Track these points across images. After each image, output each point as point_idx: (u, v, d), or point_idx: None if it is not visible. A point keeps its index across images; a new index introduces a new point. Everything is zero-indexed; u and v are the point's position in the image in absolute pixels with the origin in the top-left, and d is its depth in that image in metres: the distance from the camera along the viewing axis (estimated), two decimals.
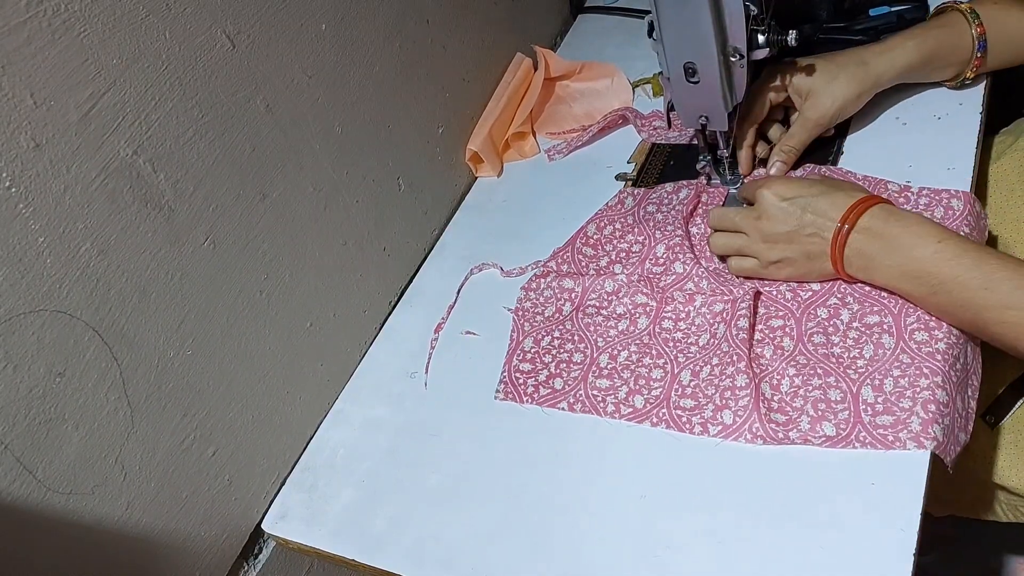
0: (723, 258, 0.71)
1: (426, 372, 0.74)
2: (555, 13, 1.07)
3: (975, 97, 0.75)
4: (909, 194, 0.68)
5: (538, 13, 1.03)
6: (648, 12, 0.64)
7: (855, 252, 0.60)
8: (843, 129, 0.77)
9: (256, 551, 0.68)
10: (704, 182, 0.78)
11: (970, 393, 0.59)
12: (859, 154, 0.75)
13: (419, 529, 0.63)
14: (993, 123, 0.79)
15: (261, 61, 0.61)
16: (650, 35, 0.66)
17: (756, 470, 0.58)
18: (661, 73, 0.70)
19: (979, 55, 0.71)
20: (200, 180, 0.57)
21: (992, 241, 0.76)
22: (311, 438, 0.72)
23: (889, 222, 0.59)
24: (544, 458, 0.64)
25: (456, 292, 0.79)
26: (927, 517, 0.53)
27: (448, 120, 0.86)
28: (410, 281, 0.83)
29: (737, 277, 0.69)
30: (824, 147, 0.76)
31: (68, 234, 0.49)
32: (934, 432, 0.55)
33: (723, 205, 0.76)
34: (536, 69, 0.96)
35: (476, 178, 0.92)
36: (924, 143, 0.73)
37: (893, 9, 0.80)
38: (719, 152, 0.75)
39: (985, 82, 0.76)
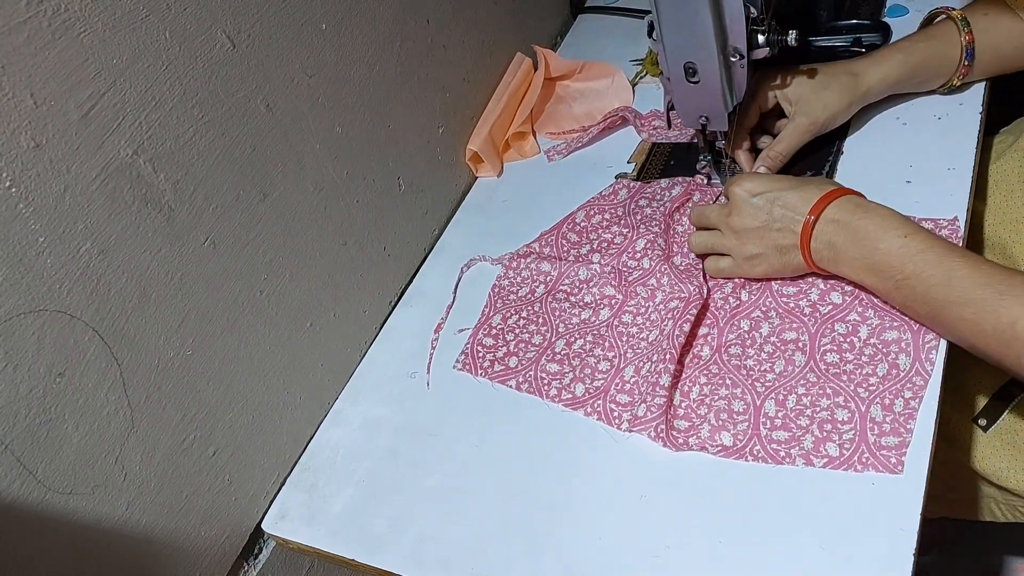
0: (703, 257, 0.71)
1: (427, 372, 0.74)
2: (555, 13, 1.07)
3: (975, 97, 0.75)
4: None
5: (538, 13, 1.03)
6: (648, 12, 0.64)
7: (824, 243, 0.60)
8: (843, 130, 0.77)
9: (256, 551, 0.68)
10: (704, 182, 0.78)
11: (908, 395, 0.57)
12: (859, 154, 0.75)
13: (419, 529, 0.63)
14: (993, 123, 0.79)
15: (261, 61, 0.61)
16: (650, 35, 0.67)
17: (756, 470, 0.58)
18: (649, 52, 0.70)
19: (967, 63, 0.71)
20: (200, 180, 0.57)
21: (992, 242, 0.76)
22: (311, 438, 0.72)
23: (856, 213, 0.59)
24: (544, 458, 0.64)
25: (453, 291, 0.80)
26: (924, 518, 0.53)
27: (448, 120, 0.86)
28: (410, 281, 0.83)
29: (712, 279, 0.69)
30: (824, 147, 0.76)
31: (68, 234, 0.49)
32: (826, 451, 0.56)
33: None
34: (536, 69, 0.96)
35: (476, 178, 0.92)
36: (924, 143, 0.73)
37: (854, 34, 0.80)
38: (719, 152, 0.75)
39: (985, 82, 0.76)
